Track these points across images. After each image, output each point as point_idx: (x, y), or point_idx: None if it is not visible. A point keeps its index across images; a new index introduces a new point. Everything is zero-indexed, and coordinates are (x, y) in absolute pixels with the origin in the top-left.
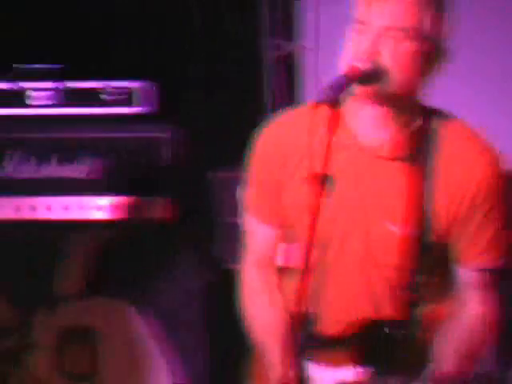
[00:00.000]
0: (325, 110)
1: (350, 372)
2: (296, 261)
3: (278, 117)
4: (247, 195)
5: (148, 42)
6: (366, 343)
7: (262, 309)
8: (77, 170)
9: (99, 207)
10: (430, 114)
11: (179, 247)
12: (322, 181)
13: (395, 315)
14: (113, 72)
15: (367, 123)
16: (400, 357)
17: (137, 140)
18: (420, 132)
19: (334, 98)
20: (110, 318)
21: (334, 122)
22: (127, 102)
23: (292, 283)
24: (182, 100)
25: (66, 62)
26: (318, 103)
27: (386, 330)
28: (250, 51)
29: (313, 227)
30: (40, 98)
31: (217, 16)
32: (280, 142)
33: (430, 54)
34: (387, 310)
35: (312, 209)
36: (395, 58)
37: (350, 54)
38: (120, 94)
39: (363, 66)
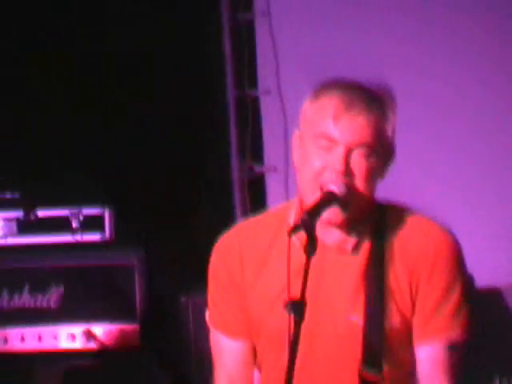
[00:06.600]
0: (299, 234)
1: None
2: None
3: (235, 226)
4: (210, 309)
5: (105, 168)
6: None
7: None
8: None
9: (71, 336)
10: (383, 207)
11: (150, 373)
12: (301, 307)
13: None
14: (67, 199)
15: (330, 230)
16: None
17: (107, 267)
18: (376, 224)
19: (310, 223)
20: None
21: (312, 247)
22: (98, 229)
23: None
24: (145, 226)
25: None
26: (295, 227)
27: None
28: (220, 172)
29: (292, 358)
30: (6, 228)
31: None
32: (237, 247)
33: (388, 159)
34: None
35: (291, 337)
36: (364, 175)
37: (317, 173)
38: (91, 221)
39: (339, 189)
